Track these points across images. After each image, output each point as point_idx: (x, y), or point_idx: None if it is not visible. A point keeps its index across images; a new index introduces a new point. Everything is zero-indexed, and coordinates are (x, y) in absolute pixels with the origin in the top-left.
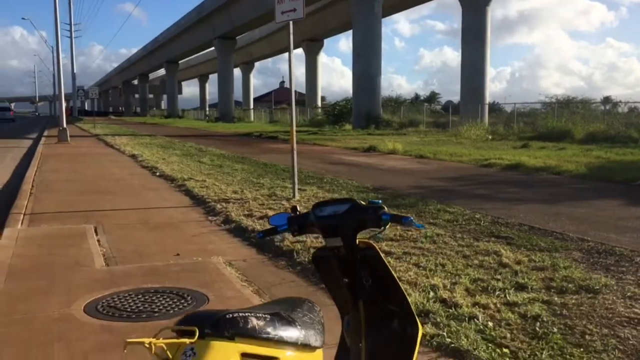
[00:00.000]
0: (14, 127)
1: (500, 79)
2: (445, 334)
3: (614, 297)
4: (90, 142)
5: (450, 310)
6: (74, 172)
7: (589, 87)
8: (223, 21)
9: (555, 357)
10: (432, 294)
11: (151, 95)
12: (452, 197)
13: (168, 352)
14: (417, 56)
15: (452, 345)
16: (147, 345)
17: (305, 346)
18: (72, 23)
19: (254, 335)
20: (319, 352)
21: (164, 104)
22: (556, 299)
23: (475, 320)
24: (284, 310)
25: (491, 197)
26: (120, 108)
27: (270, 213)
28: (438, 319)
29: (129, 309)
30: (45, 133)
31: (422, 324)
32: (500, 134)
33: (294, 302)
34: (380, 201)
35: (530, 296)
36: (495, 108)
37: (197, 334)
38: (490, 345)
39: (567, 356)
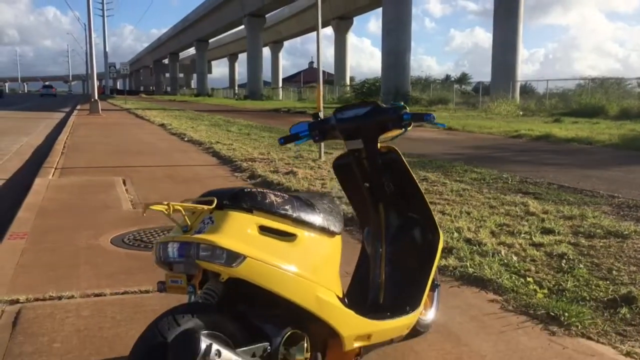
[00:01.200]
0: (50, 101)
1: (534, 60)
2: (468, 264)
3: None
4: (121, 115)
5: (475, 247)
6: (105, 137)
7: (625, 69)
8: None
9: (581, 287)
10: (456, 234)
11: (181, 75)
12: (480, 161)
13: (187, 218)
14: (448, 37)
15: (475, 274)
16: (166, 210)
17: (323, 230)
18: (105, 1)
19: (271, 210)
20: (338, 238)
21: (193, 83)
22: (583, 241)
23: (499, 255)
24: (304, 196)
25: (520, 162)
26: (151, 87)
27: (297, 171)
28: (462, 254)
29: (153, 242)
30: (78, 107)
31: (445, 258)
32: (531, 110)
33: (314, 193)
34: (402, 103)
35: (557, 238)
36: (527, 89)
37: (216, 204)
38: (514, 275)
39: (593, 287)
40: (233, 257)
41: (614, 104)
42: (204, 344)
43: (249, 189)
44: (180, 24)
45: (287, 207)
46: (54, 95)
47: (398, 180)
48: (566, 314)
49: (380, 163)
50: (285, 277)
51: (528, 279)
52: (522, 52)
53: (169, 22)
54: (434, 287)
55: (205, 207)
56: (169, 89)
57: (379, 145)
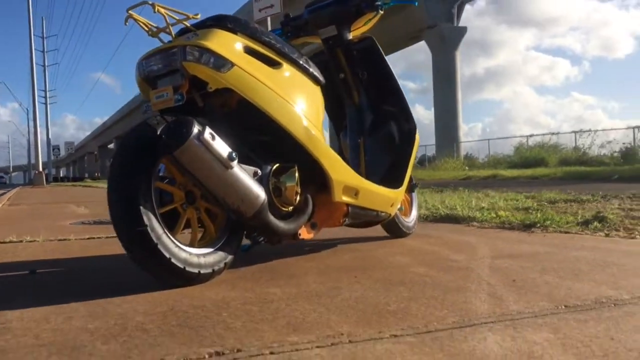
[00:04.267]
0: None
1: (473, 134)
2: (440, 207)
3: (601, 206)
4: (67, 187)
5: (444, 205)
6: (51, 195)
7: (558, 139)
8: None
9: (551, 218)
10: (424, 204)
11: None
12: (434, 188)
13: (170, 28)
14: None
15: (448, 214)
16: (148, 30)
17: (307, 71)
18: (47, 89)
19: (255, 35)
20: (320, 91)
21: None
22: (546, 204)
23: (469, 205)
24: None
25: (473, 188)
26: (96, 173)
27: None
28: (432, 208)
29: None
30: (20, 187)
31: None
32: (476, 166)
33: None
34: None
35: (520, 201)
36: (469, 157)
37: (199, 20)
38: (485, 212)
39: (562, 217)
40: (221, 62)
41: (553, 156)
42: (197, 127)
43: (232, 15)
44: (127, 107)
45: (270, 37)
46: (5, 183)
47: (373, 69)
48: (542, 221)
49: (355, 54)
50: (273, 96)
51: (500, 213)
52: (462, 113)
53: (112, 111)
54: (412, 187)
55: (191, 15)
56: None
57: (351, 35)
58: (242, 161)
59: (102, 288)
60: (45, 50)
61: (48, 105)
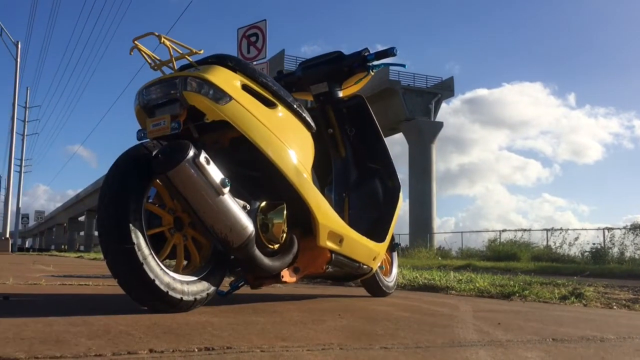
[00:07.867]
0: None
1: (445, 228)
2: (418, 277)
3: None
4: (33, 255)
5: (422, 277)
6: (18, 258)
7: (530, 237)
8: None
9: (530, 289)
10: (401, 277)
11: (97, 233)
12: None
13: (173, 61)
14: None
15: (426, 283)
16: (151, 63)
17: (300, 116)
18: (23, 158)
19: (254, 76)
20: (311, 136)
21: None
22: (522, 284)
23: (446, 277)
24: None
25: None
26: (63, 246)
27: None
28: (409, 278)
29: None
30: None
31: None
32: (449, 257)
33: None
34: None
35: (497, 279)
36: (442, 252)
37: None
38: (462, 284)
39: (540, 291)
40: (220, 94)
41: (525, 252)
42: (192, 150)
43: (232, 56)
44: (102, 180)
45: (267, 79)
46: None
47: (361, 126)
48: (521, 291)
49: (345, 111)
50: (267, 133)
51: (477, 284)
52: (436, 214)
53: (86, 184)
54: (394, 246)
55: (194, 50)
56: (82, 247)
57: (341, 93)
58: (232, 195)
59: (79, 309)
60: (27, 120)
61: (22, 175)
